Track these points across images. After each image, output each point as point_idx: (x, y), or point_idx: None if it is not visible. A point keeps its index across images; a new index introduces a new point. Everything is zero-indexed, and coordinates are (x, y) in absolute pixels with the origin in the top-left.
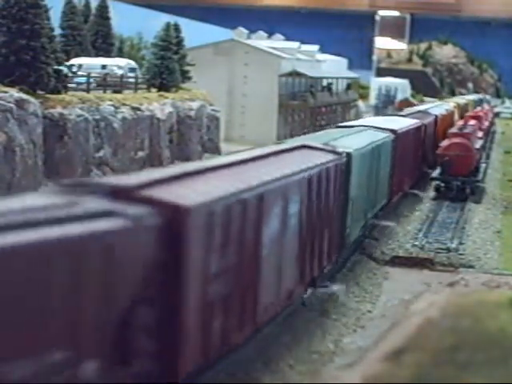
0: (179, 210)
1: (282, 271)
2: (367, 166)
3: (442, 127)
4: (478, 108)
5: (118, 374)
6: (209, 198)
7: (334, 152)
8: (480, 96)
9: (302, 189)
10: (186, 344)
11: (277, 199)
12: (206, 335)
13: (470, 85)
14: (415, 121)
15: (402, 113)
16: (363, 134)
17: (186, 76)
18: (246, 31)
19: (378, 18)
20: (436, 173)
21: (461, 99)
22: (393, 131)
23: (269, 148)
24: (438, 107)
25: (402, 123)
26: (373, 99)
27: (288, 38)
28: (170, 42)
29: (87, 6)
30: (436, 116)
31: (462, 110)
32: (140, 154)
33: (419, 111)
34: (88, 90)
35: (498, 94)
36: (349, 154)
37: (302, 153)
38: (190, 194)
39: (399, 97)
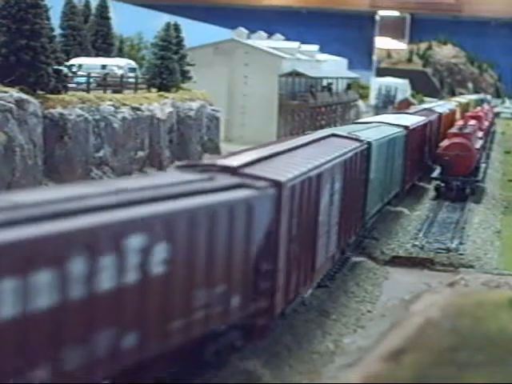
0: (280, 184)
1: (329, 237)
2: (384, 154)
3: (446, 124)
4: (479, 108)
5: (250, 308)
6: (291, 176)
7: (357, 140)
8: (481, 96)
9: (342, 169)
10: (278, 290)
11: (328, 177)
12: (287, 285)
13: (470, 85)
14: (423, 118)
15: (409, 110)
16: (379, 128)
17: (186, 76)
18: (246, 31)
19: (377, 17)
20: (436, 173)
21: (462, 99)
22: (405, 127)
23: (306, 137)
24: (441, 106)
25: (412, 120)
26: (373, 99)
27: (288, 38)
28: (170, 42)
29: (87, 5)
30: (440, 114)
31: (464, 108)
32: (140, 153)
33: (424, 109)
34: (88, 90)
35: (497, 94)
36: (369, 143)
37: (334, 140)
38: (279, 172)
39: (399, 97)
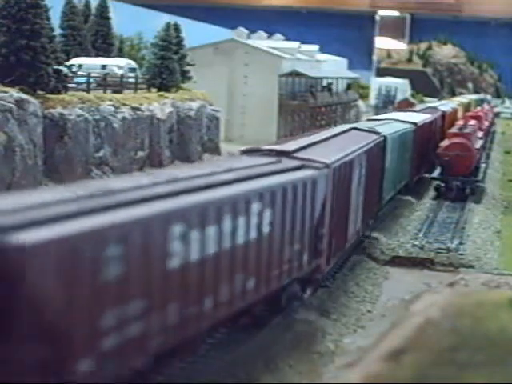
0: (328, 165)
1: (356, 214)
2: (396, 147)
3: (449, 122)
4: (479, 107)
5: (312, 264)
6: (334, 159)
7: (375, 133)
8: (481, 96)
9: (366, 157)
10: (323, 254)
11: (357, 163)
12: (329, 249)
13: (470, 85)
14: (429, 115)
15: (415, 108)
16: (391, 124)
17: (185, 76)
18: (246, 31)
19: (377, 17)
20: (436, 173)
21: (464, 98)
22: (414, 123)
23: (330, 130)
24: (444, 105)
25: (419, 117)
26: (373, 99)
27: (288, 38)
28: (170, 42)
29: (87, 5)
30: (444, 112)
31: (466, 108)
32: (140, 153)
33: (429, 107)
34: (88, 90)
35: (497, 94)
36: (385, 136)
37: (355, 133)
38: (324, 156)
39: (399, 97)
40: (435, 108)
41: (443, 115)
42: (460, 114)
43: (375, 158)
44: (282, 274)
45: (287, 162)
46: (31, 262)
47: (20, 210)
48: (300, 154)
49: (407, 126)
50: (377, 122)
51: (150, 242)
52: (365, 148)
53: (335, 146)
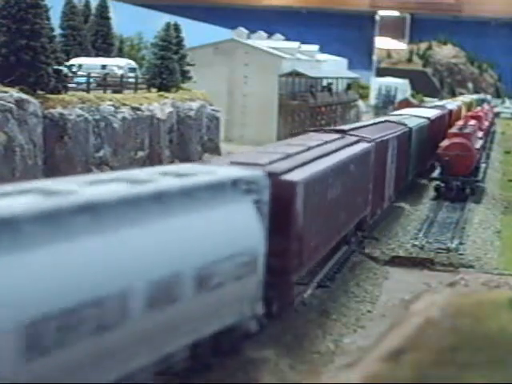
0: (373, 140)
1: (390, 183)
2: (418, 137)
3: (454, 118)
4: (479, 107)
5: (365, 213)
6: (377, 136)
7: (404, 125)
8: (481, 96)
9: (397, 141)
10: (369, 207)
11: (391, 144)
12: (373, 204)
13: (470, 85)
14: (439, 111)
15: (426, 105)
16: (411, 118)
17: (185, 76)
18: (246, 31)
19: (377, 17)
20: (436, 173)
21: (466, 98)
22: (428, 118)
23: (369, 121)
24: (450, 103)
25: (431, 113)
26: (373, 99)
27: (288, 38)
28: (170, 42)
29: (87, 5)
30: (451, 110)
31: (468, 106)
32: (140, 153)
33: (437, 105)
34: (88, 90)
35: (497, 94)
36: (410, 128)
37: (388, 124)
38: (369, 135)
39: (399, 97)
40: (443, 106)
41: (450, 112)
42: (463, 111)
43: (403, 144)
44: (355, 214)
45: (348, 138)
46: (296, 189)
47: (274, 162)
48: (352, 132)
49: (423, 120)
50: (401, 117)
51: (330, 183)
52: (396, 134)
53: (376, 130)
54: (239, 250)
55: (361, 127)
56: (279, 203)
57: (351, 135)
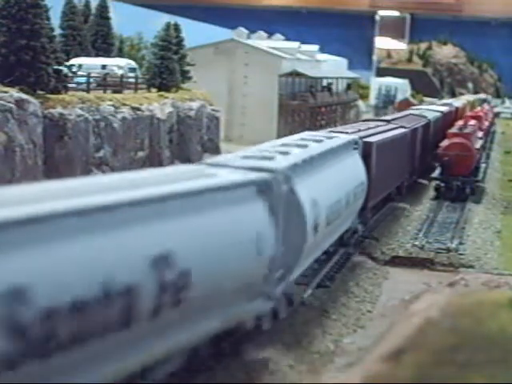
0: (409, 127)
1: (417, 161)
2: (434, 127)
3: (460, 113)
4: (479, 107)
5: (409, 181)
6: (410, 126)
7: (424, 117)
8: (482, 96)
9: (421, 130)
10: (406, 173)
11: (418, 132)
12: (407, 174)
13: (470, 85)
14: (448, 107)
15: (437, 102)
16: (428, 112)
17: (185, 76)
18: (246, 31)
19: (377, 17)
20: (436, 173)
21: (470, 98)
22: (441, 112)
23: (395, 114)
24: (456, 102)
25: (443, 108)
26: (373, 99)
27: (288, 38)
28: (170, 42)
29: (87, 5)
30: (457, 107)
31: (471, 105)
32: (140, 154)
33: (446, 103)
34: (88, 90)
35: (497, 94)
36: (429, 119)
37: (413, 117)
38: (405, 124)
39: (399, 97)
40: (450, 104)
41: (456, 109)
42: (467, 108)
43: (425, 131)
44: (398, 177)
45: (392, 125)
46: (373, 147)
47: (359, 132)
48: (393, 121)
49: (437, 113)
50: (419, 111)
51: (388, 150)
52: (421, 124)
53: (408, 120)
54: (361, 182)
55: (397, 118)
56: (365, 155)
57: (393, 123)
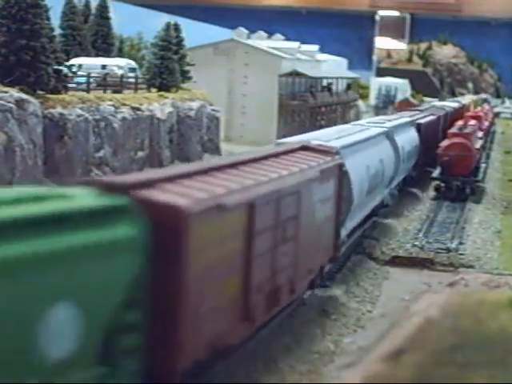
0: (438, 115)
1: (441, 138)
2: (451, 117)
3: (465, 110)
4: (480, 107)
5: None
6: (423, 121)
7: (444, 109)
8: (483, 96)
9: (443, 118)
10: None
11: (441, 120)
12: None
13: (470, 85)
14: (456, 104)
15: (448, 99)
16: (445, 105)
17: (186, 76)
18: (246, 31)
19: (377, 17)
20: (436, 173)
21: (473, 97)
22: (453, 107)
23: (425, 105)
24: (462, 100)
25: (453, 104)
26: (373, 99)
27: (288, 38)
28: (170, 42)
29: (87, 5)
30: (464, 104)
31: (475, 104)
32: (140, 154)
33: (454, 101)
34: (88, 90)
35: (497, 94)
36: (447, 111)
37: (436, 109)
38: (419, 119)
39: (399, 97)
40: (459, 101)
41: (464, 105)
42: (472, 106)
43: (446, 120)
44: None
45: (425, 113)
46: (422, 127)
47: (409, 116)
48: (425, 111)
49: (451, 108)
50: (438, 104)
51: (429, 129)
52: (444, 113)
53: (434, 111)
54: (416, 144)
55: (427, 109)
56: (418, 130)
57: (425, 112)
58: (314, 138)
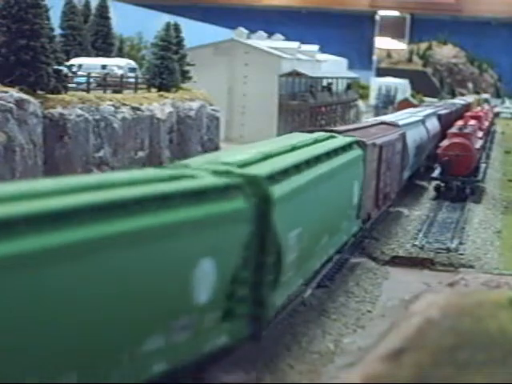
0: (453, 107)
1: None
2: (460, 112)
3: (470, 107)
4: (480, 107)
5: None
6: (442, 111)
7: (455, 105)
8: (484, 96)
9: (455, 111)
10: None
11: (454, 112)
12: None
13: (470, 85)
14: (464, 101)
15: (457, 97)
16: (455, 103)
17: (186, 76)
18: (246, 31)
19: (377, 17)
20: (436, 173)
21: (476, 97)
22: (462, 104)
23: (441, 102)
24: (468, 99)
25: (461, 102)
26: (373, 99)
27: (288, 38)
28: (170, 42)
29: (87, 5)
30: (469, 102)
31: (478, 102)
32: (140, 154)
33: (461, 99)
34: (88, 90)
35: (497, 94)
36: (457, 107)
37: (449, 104)
38: (441, 110)
39: (399, 97)
40: (465, 99)
41: (469, 103)
42: (475, 104)
43: (458, 112)
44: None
45: (442, 107)
46: (442, 116)
47: (432, 109)
48: (442, 106)
49: (459, 105)
50: (450, 101)
51: (444, 119)
52: (456, 107)
53: (441, 108)
54: (437, 130)
55: (443, 104)
56: (439, 119)
57: (442, 107)
58: (386, 118)
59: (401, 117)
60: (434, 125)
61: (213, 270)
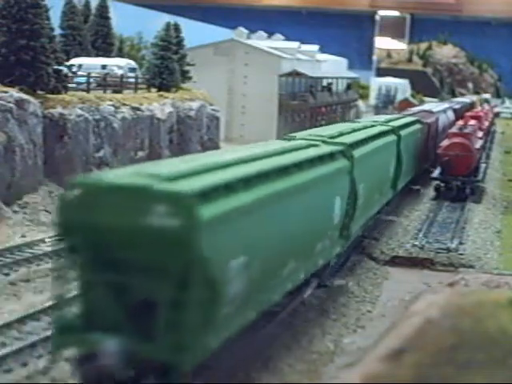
0: (456, 108)
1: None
2: (466, 109)
3: (473, 106)
4: (480, 107)
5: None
6: (457, 106)
7: (463, 103)
8: (485, 95)
9: (463, 107)
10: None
11: (463, 108)
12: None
13: (470, 85)
14: (468, 100)
15: (464, 96)
16: (462, 101)
17: (186, 76)
18: (246, 31)
19: (377, 17)
20: (436, 173)
21: (478, 96)
22: (468, 103)
23: (455, 100)
24: (471, 98)
25: (467, 100)
26: (373, 99)
27: (288, 38)
28: (170, 42)
29: (87, 5)
30: (473, 101)
31: (480, 101)
32: (140, 154)
33: (466, 98)
34: (88, 90)
35: (498, 94)
36: (465, 104)
37: (458, 102)
38: (454, 106)
39: (399, 97)
40: (470, 98)
41: (473, 102)
42: (478, 103)
43: (466, 108)
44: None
45: (455, 103)
46: (458, 109)
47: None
48: (453, 102)
49: (465, 103)
50: (457, 100)
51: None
52: (464, 104)
53: (454, 104)
54: (453, 119)
55: (454, 101)
56: (455, 113)
57: (454, 103)
58: (425, 107)
59: (436, 106)
60: (451, 114)
61: (340, 204)
